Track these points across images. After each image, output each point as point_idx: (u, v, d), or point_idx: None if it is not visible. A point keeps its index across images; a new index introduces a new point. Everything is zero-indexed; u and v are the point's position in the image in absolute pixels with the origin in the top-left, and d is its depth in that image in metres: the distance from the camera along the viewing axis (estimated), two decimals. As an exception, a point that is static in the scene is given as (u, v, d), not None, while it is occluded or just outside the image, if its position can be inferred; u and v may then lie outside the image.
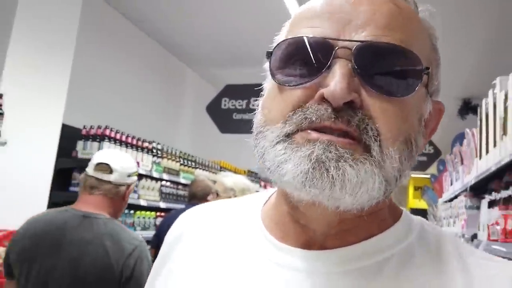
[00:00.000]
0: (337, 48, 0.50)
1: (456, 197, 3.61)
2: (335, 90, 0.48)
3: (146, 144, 4.44)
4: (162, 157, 4.70)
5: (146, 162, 4.36)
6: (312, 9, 0.56)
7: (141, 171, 4.17)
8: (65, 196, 3.84)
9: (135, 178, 1.79)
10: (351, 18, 0.52)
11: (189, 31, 5.25)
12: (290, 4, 3.97)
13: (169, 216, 3.68)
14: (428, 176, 8.74)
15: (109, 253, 1.54)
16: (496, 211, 2.09)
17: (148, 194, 4.41)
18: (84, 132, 3.97)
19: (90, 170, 1.73)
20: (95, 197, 1.66)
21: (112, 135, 3.98)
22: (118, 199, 1.70)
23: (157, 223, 4.48)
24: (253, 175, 7.16)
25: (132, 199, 3.85)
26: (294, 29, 0.57)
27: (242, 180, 3.49)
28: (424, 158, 7.24)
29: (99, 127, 3.95)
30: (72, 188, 3.92)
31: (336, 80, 0.48)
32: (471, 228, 2.81)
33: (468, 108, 6.89)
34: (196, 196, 3.71)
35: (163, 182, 4.70)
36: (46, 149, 3.46)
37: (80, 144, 3.92)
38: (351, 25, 0.51)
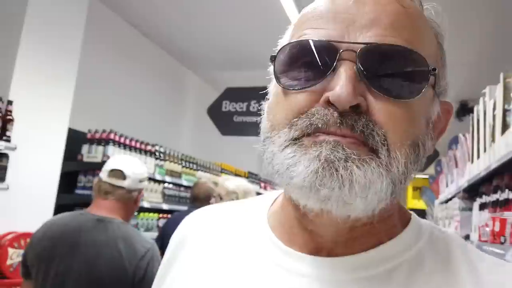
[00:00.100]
0: (341, 50, 0.49)
1: (451, 198, 3.72)
2: (341, 94, 0.47)
3: (149, 147, 4.55)
4: (164, 160, 4.80)
5: (149, 165, 4.45)
6: (316, 9, 0.54)
7: (145, 174, 4.27)
8: (71, 199, 3.95)
9: (146, 183, 1.88)
10: (355, 18, 0.51)
11: (190, 35, 5.33)
12: (289, 9, 4.05)
13: (173, 218, 3.76)
14: (427, 176, 8.84)
15: (122, 255, 1.63)
16: (486, 214, 2.20)
17: (151, 196, 4.50)
18: (89, 136, 4.07)
19: (104, 176, 1.81)
20: (109, 201, 1.76)
21: (117, 138, 4.08)
22: (130, 203, 1.81)
23: (160, 224, 4.58)
24: (253, 177, 7.26)
25: (136, 201, 3.95)
26: (298, 31, 0.55)
27: (243, 183, 3.59)
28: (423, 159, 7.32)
29: (103, 131, 4.05)
30: (77, 191, 4.02)
31: (341, 84, 0.47)
32: (464, 229, 2.91)
33: (465, 110, 6.99)
34: (199, 198, 3.80)
35: (166, 184, 4.80)
36: (53, 153, 3.56)
37: (85, 148, 4.02)
38: (355, 26, 0.50)
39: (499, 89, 1.99)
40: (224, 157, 6.65)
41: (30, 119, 3.28)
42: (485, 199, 2.33)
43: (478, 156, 2.44)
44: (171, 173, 4.89)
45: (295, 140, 0.50)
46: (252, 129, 5.52)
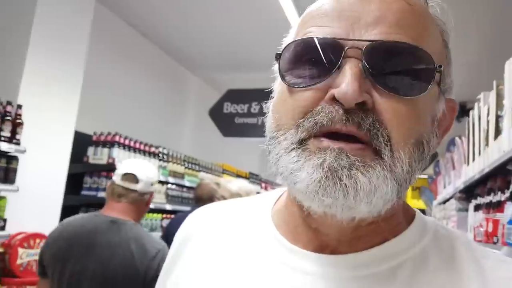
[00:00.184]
0: (347, 48, 0.49)
1: (448, 199, 3.81)
2: (347, 91, 0.47)
3: (153, 149, 4.63)
4: (167, 161, 4.89)
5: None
6: (321, 7, 0.54)
7: (149, 175, 4.36)
8: (77, 200, 4.04)
9: (157, 186, 1.95)
10: (360, 16, 0.51)
11: (192, 38, 5.40)
12: (289, 11, 4.11)
13: (176, 218, 3.82)
14: (426, 176, 8.92)
15: (134, 255, 1.71)
16: (480, 215, 2.29)
17: (154, 197, 4.58)
18: (94, 138, 4.15)
19: (117, 179, 1.89)
20: (122, 204, 1.84)
21: (121, 141, 4.16)
22: (142, 206, 1.89)
23: (164, 224, 4.66)
24: (254, 177, 7.35)
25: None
26: (302, 29, 0.55)
27: (245, 184, 3.69)
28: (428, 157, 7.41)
29: (109, 134, 4.14)
30: (83, 192, 4.10)
31: (347, 81, 0.47)
32: (461, 229, 3.00)
33: (464, 111, 7.09)
34: (202, 198, 3.88)
35: (169, 185, 4.88)
36: (60, 155, 3.65)
37: (91, 150, 4.11)
38: (360, 23, 0.50)
39: (492, 95, 2.08)
40: (225, 158, 6.72)
41: (39, 122, 3.38)
42: (479, 200, 2.42)
43: (474, 159, 2.53)
44: (174, 174, 4.97)
45: (301, 143, 0.50)
46: (253, 130, 5.59)
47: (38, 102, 3.42)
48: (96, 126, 4.27)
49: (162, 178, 4.68)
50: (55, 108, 3.59)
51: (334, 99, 0.48)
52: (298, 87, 0.52)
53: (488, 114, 2.17)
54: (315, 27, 0.53)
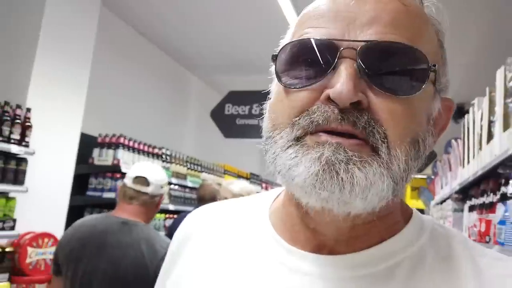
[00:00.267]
0: (342, 48, 0.50)
1: (445, 200, 3.90)
2: (342, 90, 0.47)
3: (156, 151, 4.72)
4: (170, 162, 4.98)
5: (157, 167, 4.62)
6: (317, 8, 0.55)
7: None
8: (82, 200, 4.13)
9: (167, 188, 2.03)
10: (356, 16, 0.51)
11: (194, 41, 5.46)
12: (289, 13, 4.18)
13: (179, 218, 3.91)
14: (425, 177, 9.00)
15: (145, 256, 1.79)
16: (474, 215, 2.39)
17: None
18: (99, 140, 4.24)
19: (128, 182, 1.96)
20: (133, 206, 1.92)
21: (126, 142, 4.25)
22: (152, 208, 1.97)
23: (167, 224, 4.76)
24: (255, 178, 7.43)
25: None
26: (299, 30, 0.56)
27: (246, 185, 3.77)
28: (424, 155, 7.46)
29: (113, 135, 4.23)
30: (89, 193, 4.19)
31: (342, 81, 0.48)
32: (457, 229, 3.09)
33: (461, 113, 7.16)
34: (204, 199, 3.96)
35: (172, 186, 4.96)
36: (67, 156, 3.74)
37: (96, 151, 4.20)
38: (356, 24, 0.51)
39: (485, 101, 2.17)
40: (226, 159, 6.79)
41: (46, 124, 3.46)
42: (473, 201, 2.51)
43: (468, 162, 2.62)
44: (177, 175, 5.06)
45: (298, 139, 0.51)
46: (254, 132, 5.67)
47: (46, 104, 3.50)
48: (100, 127, 4.35)
49: (165, 179, 4.76)
50: (62, 110, 3.67)
51: (329, 99, 0.49)
52: (294, 88, 0.53)
53: (481, 119, 2.26)
54: (312, 28, 0.53)
